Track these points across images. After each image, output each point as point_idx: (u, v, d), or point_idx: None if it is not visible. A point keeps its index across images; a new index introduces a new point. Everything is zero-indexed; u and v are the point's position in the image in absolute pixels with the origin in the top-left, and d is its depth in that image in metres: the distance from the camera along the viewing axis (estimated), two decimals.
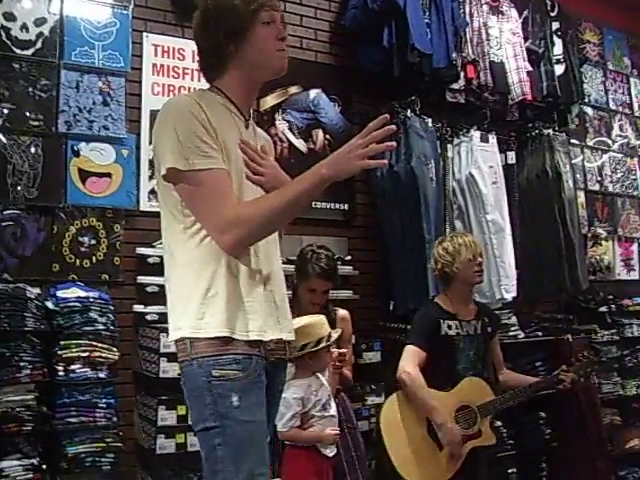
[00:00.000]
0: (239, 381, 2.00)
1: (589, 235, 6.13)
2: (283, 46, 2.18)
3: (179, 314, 2.08)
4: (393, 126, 2.04)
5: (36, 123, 3.84)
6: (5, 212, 3.73)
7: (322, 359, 3.23)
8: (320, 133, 4.72)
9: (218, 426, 1.99)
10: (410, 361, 3.54)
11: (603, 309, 5.73)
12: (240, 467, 1.98)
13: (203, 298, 2.02)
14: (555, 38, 5.75)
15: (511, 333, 4.90)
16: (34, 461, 3.35)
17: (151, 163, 4.10)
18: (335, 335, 3.24)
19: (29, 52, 3.84)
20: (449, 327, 3.64)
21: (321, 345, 3.15)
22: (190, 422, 3.46)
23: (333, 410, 3.30)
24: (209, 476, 2.05)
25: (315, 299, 3.49)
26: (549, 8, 5.78)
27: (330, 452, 3.24)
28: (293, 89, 4.64)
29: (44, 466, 3.37)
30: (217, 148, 2.03)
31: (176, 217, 2.08)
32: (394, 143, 2.12)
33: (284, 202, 2.01)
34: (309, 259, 3.48)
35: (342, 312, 3.73)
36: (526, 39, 5.46)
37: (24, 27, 3.83)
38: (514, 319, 4.98)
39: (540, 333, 5.16)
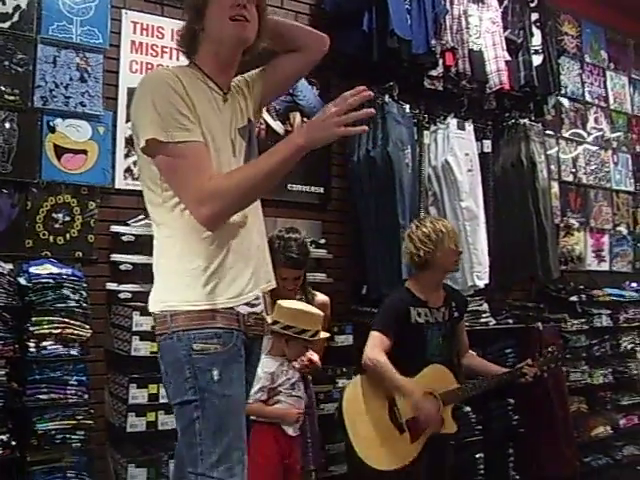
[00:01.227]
0: (220, 355, 2.01)
1: (561, 225, 6.20)
2: (239, 12, 2.13)
3: (160, 287, 2.09)
4: (370, 92, 2.02)
5: (11, 98, 3.80)
6: None
7: (296, 350, 3.24)
8: (297, 116, 4.71)
9: (197, 399, 2.00)
10: (375, 347, 3.53)
11: (573, 299, 5.79)
12: (218, 441, 1.99)
13: (184, 271, 2.03)
14: (534, 29, 5.77)
15: (482, 320, 4.93)
16: (4, 437, 3.33)
17: (127, 141, 4.09)
18: (321, 337, 3.26)
19: (5, 25, 3.78)
20: (419, 314, 3.63)
21: (302, 336, 3.16)
22: (163, 400, 3.55)
23: (301, 391, 3.33)
24: (185, 450, 2.05)
25: (288, 285, 3.48)
26: None
27: (292, 432, 3.27)
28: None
29: (13, 442, 3.35)
30: (194, 121, 2.03)
31: (154, 191, 2.08)
32: (372, 110, 2.09)
33: (260, 173, 2.01)
34: (277, 248, 3.43)
35: (322, 297, 3.73)
36: (505, 28, 5.47)
37: None
38: (485, 306, 5.01)
39: (511, 321, 5.21)
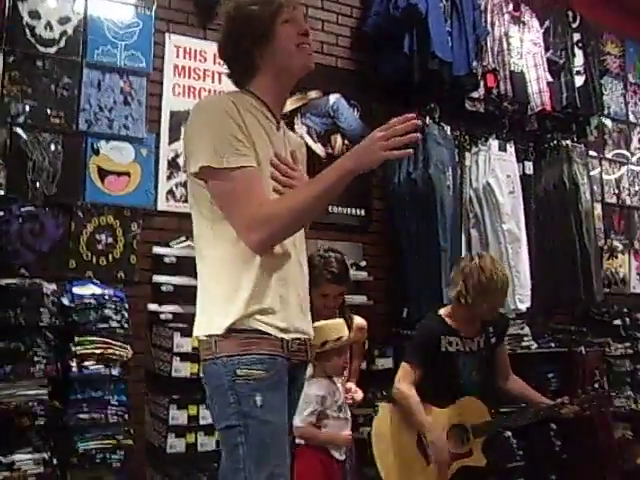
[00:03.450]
0: (263, 381, 2.00)
1: (605, 247, 6.10)
2: (306, 40, 2.17)
3: (205, 312, 2.09)
4: (418, 120, 2.02)
5: (57, 120, 3.88)
6: (24, 208, 3.76)
7: (330, 361, 3.22)
8: (339, 138, 4.73)
9: (241, 425, 1.98)
10: (403, 379, 3.50)
11: (617, 322, 5.69)
12: (261, 467, 1.98)
13: (231, 297, 2.02)
14: (576, 49, 5.74)
15: (524, 344, 4.87)
16: (45, 455, 3.37)
17: (169, 163, 4.14)
18: (344, 338, 3.24)
19: (52, 50, 3.87)
20: (449, 343, 3.55)
21: (325, 347, 3.15)
22: (202, 421, 3.56)
23: (348, 414, 3.31)
24: (230, 474, 2.05)
25: (328, 303, 3.44)
26: (571, 19, 5.77)
27: (340, 455, 3.24)
28: (313, 94, 4.65)
29: (55, 461, 3.39)
30: (249, 146, 2.03)
31: (205, 215, 2.08)
32: (417, 135, 2.07)
33: (310, 198, 2.01)
34: (318, 264, 3.40)
35: (359, 321, 3.67)
36: (547, 49, 5.45)
37: (48, 25, 3.87)
38: (527, 330, 4.95)
39: (553, 345, 5.13)
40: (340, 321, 3.28)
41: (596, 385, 3.67)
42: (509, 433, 4.55)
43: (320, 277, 3.35)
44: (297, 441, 3.13)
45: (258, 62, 2.17)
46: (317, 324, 3.07)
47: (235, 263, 2.03)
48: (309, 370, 3.11)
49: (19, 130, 3.78)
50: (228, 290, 2.03)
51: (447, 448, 3.45)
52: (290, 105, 4.50)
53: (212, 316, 2.06)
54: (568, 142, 5.46)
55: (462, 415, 3.51)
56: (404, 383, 3.49)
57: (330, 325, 3.20)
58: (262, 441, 1.98)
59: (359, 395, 3.46)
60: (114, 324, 3.62)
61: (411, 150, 2.12)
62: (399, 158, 2.11)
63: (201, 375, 2.16)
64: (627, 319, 5.77)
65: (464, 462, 3.49)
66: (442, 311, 3.69)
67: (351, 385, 3.46)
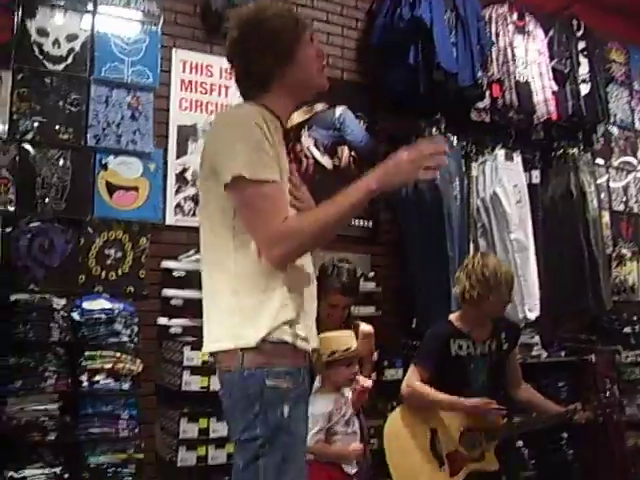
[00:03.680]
0: (289, 392, 2.01)
1: (613, 255, 6.09)
2: (322, 62, 2.22)
3: (226, 325, 2.08)
4: (446, 146, 2.05)
5: (65, 136, 3.91)
6: (33, 224, 3.79)
7: (339, 371, 3.21)
8: (345, 150, 4.74)
9: (266, 436, 1.99)
10: (411, 378, 3.50)
11: (627, 330, 5.67)
12: (281, 479, 1.99)
13: (259, 309, 2.02)
14: (581, 58, 5.74)
15: (534, 353, 4.87)
16: (56, 470, 3.39)
17: (177, 177, 4.15)
18: (352, 349, 3.23)
19: (60, 67, 3.91)
20: (460, 347, 3.54)
21: (334, 357, 3.14)
22: (213, 435, 3.56)
23: (356, 427, 3.30)
24: None
25: (335, 314, 3.43)
26: (575, 28, 5.77)
27: (352, 469, 3.23)
28: (319, 106, 4.67)
29: (66, 475, 3.41)
30: (275, 160, 2.04)
31: (228, 227, 2.07)
32: (445, 159, 2.08)
33: (332, 216, 2.01)
34: (330, 274, 3.41)
35: (366, 328, 3.62)
36: (552, 58, 5.46)
37: (56, 42, 3.90)
38: (537, 339, 4.95)
39: (563, 353, 5.13)
40: (348, 332, 3.27)
41: (607, 392, 3.65)
42: (520, 442, 4.54)
43: (330, 287, 3.36)
44: (307, 457, 3.13)
45: (275, 78, 2.16)
46: (326, 335, 3.08)
47: (262, 275, 2.04)
48: (316, 382, 3.11)
49: (28, 146, 3.82)
50: (255, 302, 2.03)
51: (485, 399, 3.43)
52: (297, 118, 4.52)
53: (238, 329, 2.05)
54: (575, 150, 5.46)
55: (474, 419, 3.51)
56: (414, 381, 3.49)
57: (339, 336, 3.20)
58: (284, 453, 1.99)
59: (368, 382, 3.40)
60: (124, 338, 3.65)
61: (437, 172, 2.13)
62: (424, 180, 2.13)
63: (218, 387, 2.15)
64: (637, 327, 5.74)
65: (476, 466, 3.48)
66: (451, 316, 3.70)
67: (359, 377, 3.40)
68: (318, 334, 2.28)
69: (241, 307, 2.05)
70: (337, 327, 3.37)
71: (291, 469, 2.00)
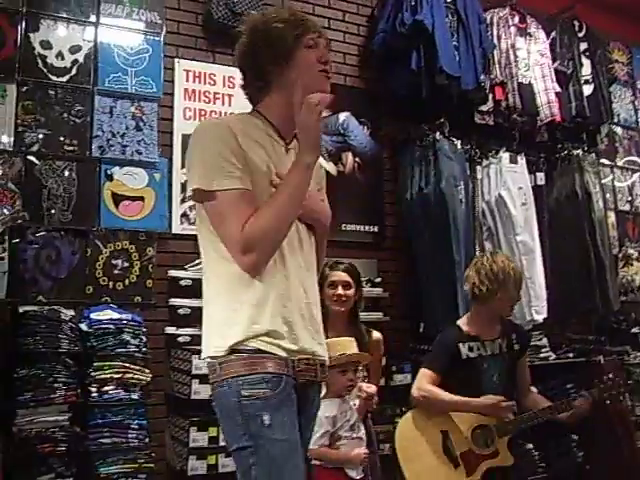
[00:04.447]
0: (269, 400, 2.00)
1: (620, 255, 6.08)
2: (326, 68, 2.19)
3: (208, 334, 2.11)
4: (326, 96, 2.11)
5: (71, 148, 3.92)
6: (40, 235, 3.80)
7: (332, 378, 3.19)
8: (349, 156, 4.75)
9: (251, 446, 1.99)
10: (423, 381, 3.52)
11: (635, 330, 5.66)
12: None
13: (231, 318, 2.03)
14: (583, 58, 5.75)
15: (542, 355, 4.85)
16: None
17: (183, 187, 4.16)
18: (349, 353, 3.22)
19: (64, 79, 3.93)
20: (470, 349, 3.56)
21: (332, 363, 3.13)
22: (223, 443, 3.55)
23: (362, 432, 3.30)
24: None
25: (337, 297, 3.45)
26: (577, 29, 5.78)
27: (357, 474, 3.23)
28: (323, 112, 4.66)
29: None
30: (244, 169, 2.04)
31: (207, 237, 2.11)
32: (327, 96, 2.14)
33: (283, 201, 2.03)
34: (327, 265, 3.45)
35: (376, 335, 3.65)
36: (554, 60, 5.47)
37: (60, 55, 3.92)
38: (545, 340, 4.93)
39: (571, 355, 5.11)
40: (348, 339, 3.26)
41: (610, 376, 3.65)
42: (530, 445, 4.53)
43: (328, 270, 3.44)
44: (312, 462, 3.13)
45: (272, 81, 2.18)
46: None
47: (234, 283, 2.05)
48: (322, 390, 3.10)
49: (33, 158, 3.83)
50: (227, 311, 2.04)
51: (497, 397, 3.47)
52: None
53: (212, 338, 2.07)
54: (579, 151, 5.46)
55: (484, 417, 3.52)
56: (425, 384, 3.51)
57: (335, 342, 3.19)
58: (274, 460, 1.98)
59: (372, 389, 3.41)
60: (132, 348, 3.65)
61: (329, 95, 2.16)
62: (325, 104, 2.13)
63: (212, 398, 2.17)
64: None
65: (492, 463, 3.49)
66: (459, 321, 3.73)
67: (361, 384, 3.42)
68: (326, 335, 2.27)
69: (214, 316, 2.08)
70: (346, 317, 3.44)
71: (284, 476, 1.99)
